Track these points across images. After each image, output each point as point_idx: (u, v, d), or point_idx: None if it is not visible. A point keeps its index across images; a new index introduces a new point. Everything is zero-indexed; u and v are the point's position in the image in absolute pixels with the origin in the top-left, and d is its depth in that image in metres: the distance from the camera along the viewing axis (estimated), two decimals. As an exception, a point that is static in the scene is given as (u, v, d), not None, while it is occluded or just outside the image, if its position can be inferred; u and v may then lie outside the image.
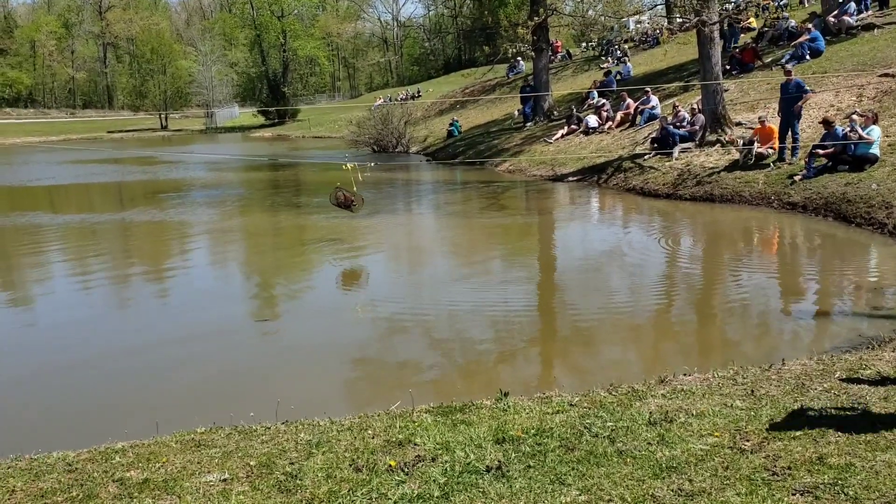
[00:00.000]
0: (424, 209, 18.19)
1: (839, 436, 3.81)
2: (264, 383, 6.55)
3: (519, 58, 36.42)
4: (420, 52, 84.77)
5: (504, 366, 6.97)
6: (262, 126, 62.44)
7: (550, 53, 32.94)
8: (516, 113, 28.93)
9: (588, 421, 4.32)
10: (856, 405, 4.30)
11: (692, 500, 3.30)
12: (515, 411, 4.67)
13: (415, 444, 4.12)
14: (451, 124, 31.61)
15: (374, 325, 8.25)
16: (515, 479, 3.61)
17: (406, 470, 3.78)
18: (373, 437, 4.29)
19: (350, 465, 3.89)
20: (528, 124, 27.03)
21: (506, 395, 5.06)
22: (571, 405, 4.71)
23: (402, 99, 48.15)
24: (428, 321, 8.33)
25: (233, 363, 7.14)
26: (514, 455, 3.88)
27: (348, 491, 3.61)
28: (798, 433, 3.88)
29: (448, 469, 3.76)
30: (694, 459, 3.68)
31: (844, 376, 4.92)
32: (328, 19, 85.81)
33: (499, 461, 3.79)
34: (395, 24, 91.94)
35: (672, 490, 3.39)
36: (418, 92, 51.80)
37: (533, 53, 26.93)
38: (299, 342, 7.83)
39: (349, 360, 7.14)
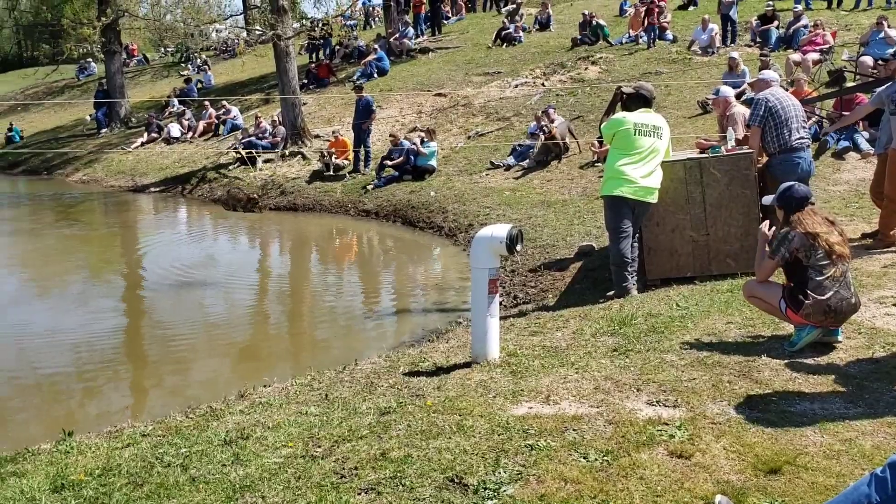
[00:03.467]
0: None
1: (400, 429, 4.09)
2: None
3: (90, 59, 33.75)
4: (-30, 46, 73.83)
5: (81, 399, 6.35)
6: None
7: (125, 57, 31.09)
8: (88, 118, 26.75)
9: (161, 450, 4.10)
10: (416, 396, 4.68)
11: (264, 516, 3.31)
12: (80, 452, 4.25)
13: (-53, 511, 3.52)
14: (9, 129, 28.03)
15: None
16: (74, 529, 3.28)
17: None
18: None
19: None
20: (104, 131, 25.20)
21: (70, 434, 4.59)
22: (144, 435, 4.44)
23: (-54, 99, 41.42)
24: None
25: None
26: (73, 502, 3.53)
27: None
28: (365, 432, 4.09)
29: (-9, 533, 3.28)
30: (267, 474, 3.69)
31: (407, 370, 5.36)
32: None
33: (54, 513, 3.41)
34: (-65, 11, 78.80)
35: (245, 510, 3.37)
36: (-32, 92, 44.99)
37: (103, 56, 25.15)
38: None
39: None
